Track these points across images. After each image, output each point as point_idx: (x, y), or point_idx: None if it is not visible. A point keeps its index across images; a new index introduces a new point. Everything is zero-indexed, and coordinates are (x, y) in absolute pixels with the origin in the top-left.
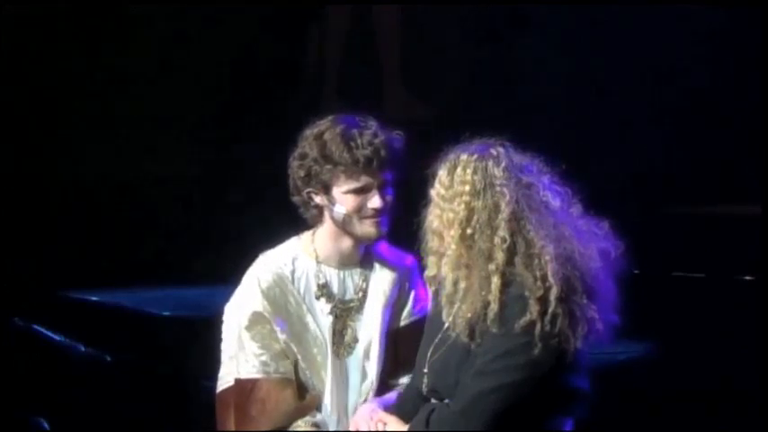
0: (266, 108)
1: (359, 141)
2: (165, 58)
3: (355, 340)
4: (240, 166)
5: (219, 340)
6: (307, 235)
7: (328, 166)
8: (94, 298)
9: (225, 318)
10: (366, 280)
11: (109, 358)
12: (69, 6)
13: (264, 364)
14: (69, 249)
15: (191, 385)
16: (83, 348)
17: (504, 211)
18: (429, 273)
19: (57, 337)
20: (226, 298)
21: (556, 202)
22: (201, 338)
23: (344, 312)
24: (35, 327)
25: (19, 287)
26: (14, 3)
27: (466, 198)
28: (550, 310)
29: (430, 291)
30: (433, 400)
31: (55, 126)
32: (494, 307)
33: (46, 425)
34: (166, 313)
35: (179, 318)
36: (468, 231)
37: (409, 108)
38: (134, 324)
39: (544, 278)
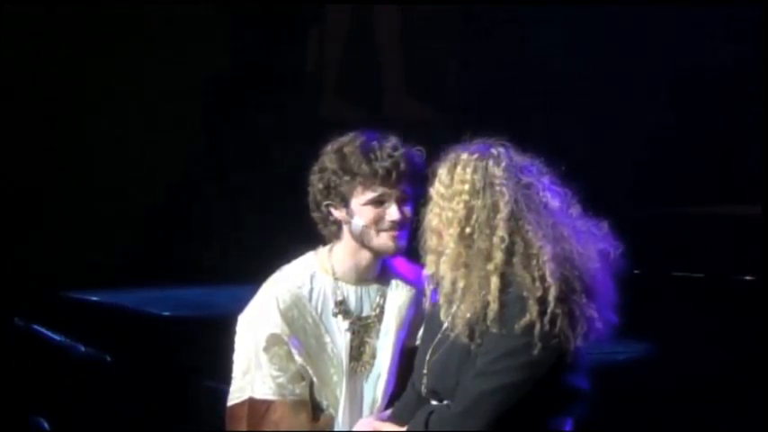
0: (265, 108)
1: (378, 154)
2: (162, 58)
3: (373, 357)
4: (240, 166)
5: (220, 340)
6: (323, 251)
7: (347, 178)
8: (94, 298)
9: (238, 329)
10: (383, 296)
11: (109, 358)
12: (69, 6)
13: (281, 386)
14: (70, 249)
15: (191, 385)
16: (83, 348)
17: (503, 211)
18: (427, 271)
19: (57, 337)
20: (226, 298)
21: (555, 203)
22: (201, 338)
23: (362, 329)
24: (35, 327)
25: (19, 287)
26: (14, 3)
27: (465, 197)
28: (550, 310)
29: (428, 289)
30: (432, 402)
31: (55, 125)
32: (493, 307)
33: (46, 425)
34: (166, 313)
35: (179, 318)
36: (467, 230)
37: (409, 108)
38: (134, 324)
39: (542, 278)
